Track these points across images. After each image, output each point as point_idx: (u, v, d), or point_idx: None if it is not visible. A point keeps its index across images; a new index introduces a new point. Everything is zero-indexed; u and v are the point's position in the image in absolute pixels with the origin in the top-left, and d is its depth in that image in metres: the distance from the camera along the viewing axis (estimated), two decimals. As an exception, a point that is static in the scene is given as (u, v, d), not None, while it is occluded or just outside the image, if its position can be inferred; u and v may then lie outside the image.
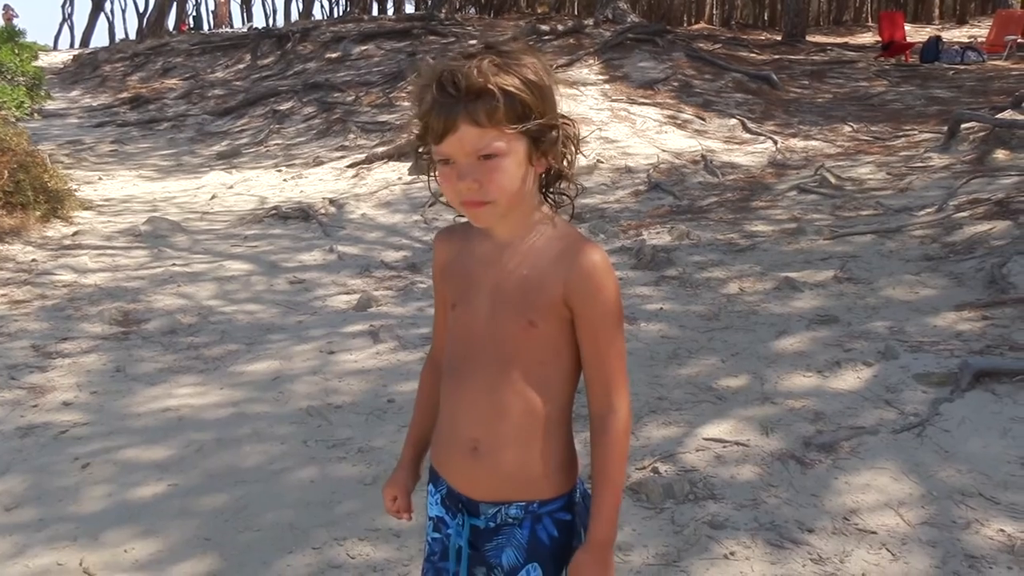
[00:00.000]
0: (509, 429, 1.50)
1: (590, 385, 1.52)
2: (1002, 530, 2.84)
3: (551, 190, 1.55)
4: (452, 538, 1.59)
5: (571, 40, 15.19)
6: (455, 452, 1.57)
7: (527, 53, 1.44)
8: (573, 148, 1.50)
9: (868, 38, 23.48)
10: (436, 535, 1.63)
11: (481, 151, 1.39)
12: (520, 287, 1.49)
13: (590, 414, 1.54)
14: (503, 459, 1.51)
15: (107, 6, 40.65)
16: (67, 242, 7.06)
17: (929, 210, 6.72)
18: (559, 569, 1.55)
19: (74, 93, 19.03)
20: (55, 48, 35.21)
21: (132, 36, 34.08)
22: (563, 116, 1.47)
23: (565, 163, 1.50)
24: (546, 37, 15.39)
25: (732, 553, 2.79)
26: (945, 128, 9.05)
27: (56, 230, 7.38)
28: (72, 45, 37.60)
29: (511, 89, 1.38)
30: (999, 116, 8.68)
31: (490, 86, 1.37)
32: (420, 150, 1.53)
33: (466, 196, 1.42)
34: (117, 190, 9.68)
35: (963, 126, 8.71)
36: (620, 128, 10.44)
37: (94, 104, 17.24)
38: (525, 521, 1.53)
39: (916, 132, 10.03)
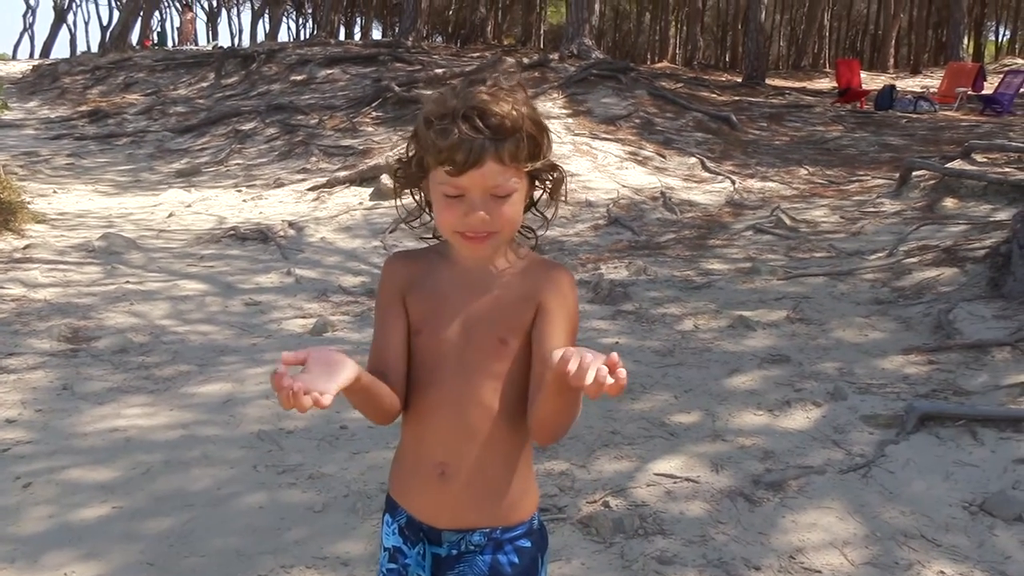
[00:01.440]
0: (478, 452, 1.51)
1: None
2: (942, 572, 2.90)
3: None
4: (411, 568, 1.58)
5: (536, 73, 15.33)
6: (420, 478, 1.56)
7: (521, 91, 1.47)
8: (561, 189, 1.55)
9: (825, 84, 24.04)
10: (392, 566, 1.61)
11: (499, 189, 1.42)
12: (494, 307, 1.51)
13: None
14: (471, 483, 1.52)
15: (70, 18, 40.26)
16: (18, 255, 6.93)
17: (880, 254, 6.87)
18: None
19: (32, 104, 18.77)
20: (14, 57, 34.77)
21: (94, 49, 33.76)
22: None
23: (555, 200, 1.56)
24: (511, 70, 15.51)
25: (679, 589, 2.80)
26: (897, 175, 9.28)
27: (7, 243, 7.25)
28: (32, 55, 37.13)
29: (530, 131, 1.43)
30: (949, 165, 8.93)
31: (519, 127, 1.40)
32: (399, 173, 1.53)
33: (476, 228, 1.43)
34: (72, 204, 9.55)
35: (914, 174, 8.95)
36: (582, 162, 10.55)
37: (52, 116, 17.01)
38: (487, 548, 1.54)
39: (869, 177, 10.27)
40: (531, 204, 1.57)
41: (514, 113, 1.40)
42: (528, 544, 1.57)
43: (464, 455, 1.52)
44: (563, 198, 1.57)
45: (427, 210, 1.55)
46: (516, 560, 1.55)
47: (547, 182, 1.52)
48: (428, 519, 1.56)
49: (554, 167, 1.51)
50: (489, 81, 1.46)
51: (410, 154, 1.50)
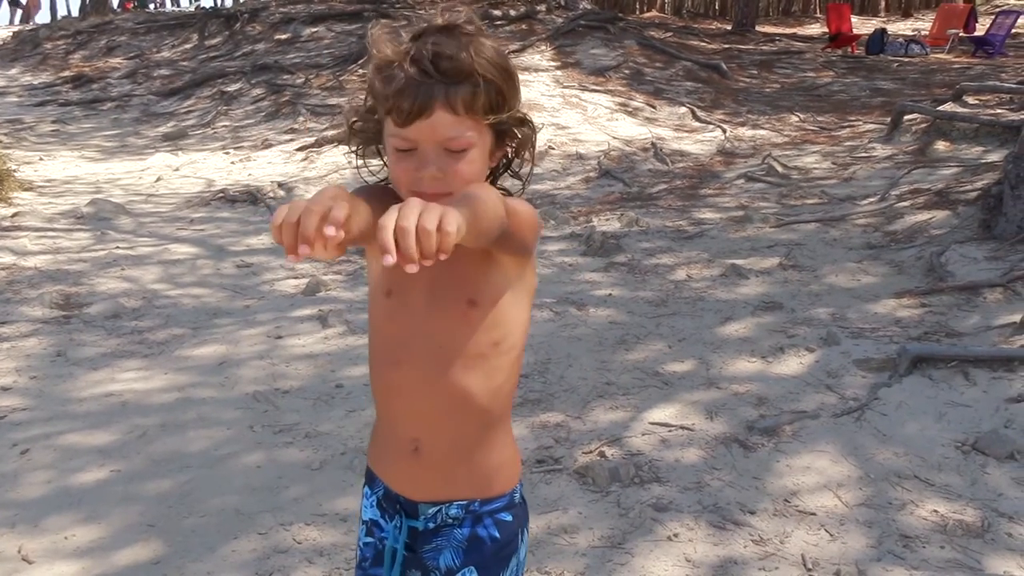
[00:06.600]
0: (451, 427, 1.43)
1: None
2: (935, 511, 2.93)
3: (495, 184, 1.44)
4: (388, 542, 1.50)
5: (523, 25, 15.16)
6: (393, 452, 1.48)
7: (486, 36, 1.30)
8: (531, 147, 1.41)
9: (816, 29, 23.79)
10: (369, 539, 1.55)
11: (451, 142, 1.26)
12: (457, 265, 1.31)
13: None
14: (446, 458, 1.44)
15: (48, -18, 39.49)
16: (6, 224, 6.88)
17: (872, 199, 6.86)
18: (497, 574, 1.48)
19: (13, 71, 18.49)
20: (-7, 24, 34.16)
21: (75, 13, 33.23)
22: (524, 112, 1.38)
23: (522, 160, 1.42)
24: (498, 22, 15.33)
25: (676, 535, 2.84)
26: (889, 119, 9.23)
27: (-6, 211, 7.19)
28: (12, 21, 36.57)
29: (491, 77, 1.26)
30: (940, 108, 8.89)
31: (475, 71, 1.24)
32: (357, 124, 1.38)
33: (428, 187, 1.26)
34: (59, 171, 9.46)
35: (906, 117, 8.90)
36: (571, 114, 10.46)
37: (35, 82, 16.78)
38: (465, 521, 1.46)
39: (861, 123, 10.21)
40: (507, 165, 1.41)
41: (470, 55, 1.23)
42: (509, 518, 1.48)
43: (437, 431, 1.43)
44: (531, 160, 1.40)
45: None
46: (496, 534, 1.47)
47: (515, 139, 1.35)
48: (404, 491, 1.48)
49: (523, 121, 1.35)
50: (441, 19, 1.28)
51: (367, 104, 1.34)
